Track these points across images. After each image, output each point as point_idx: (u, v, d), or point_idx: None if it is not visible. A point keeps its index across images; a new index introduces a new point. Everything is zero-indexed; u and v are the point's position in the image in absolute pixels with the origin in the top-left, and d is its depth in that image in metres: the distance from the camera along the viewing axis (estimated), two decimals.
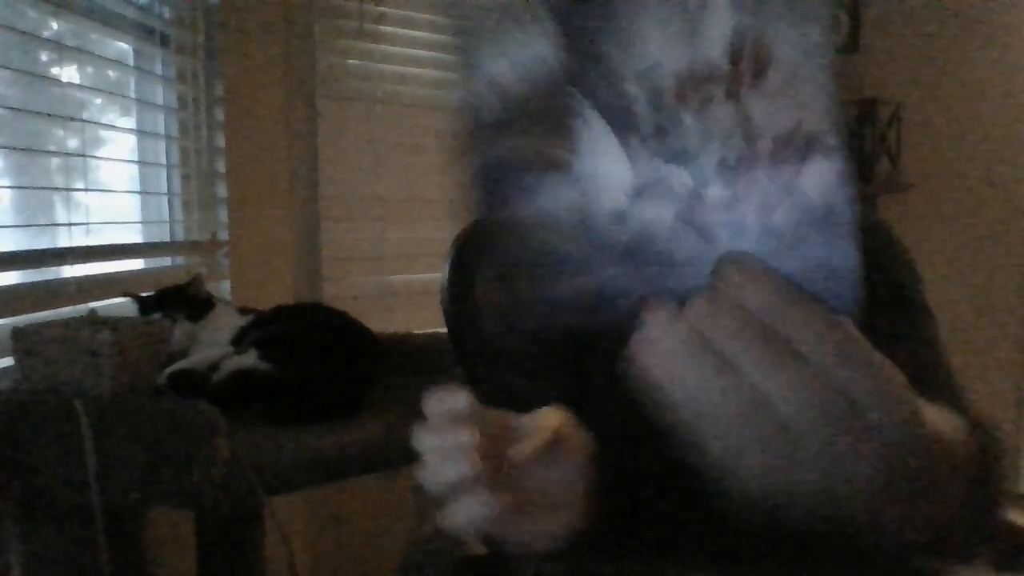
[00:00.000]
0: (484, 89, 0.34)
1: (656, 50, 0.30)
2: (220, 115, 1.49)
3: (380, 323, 1.21)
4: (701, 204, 0.30)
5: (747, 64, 0.29)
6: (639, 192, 0.30)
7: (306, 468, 0.92)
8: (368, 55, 1.70)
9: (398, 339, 1.25)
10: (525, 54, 0.33)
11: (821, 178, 0.28)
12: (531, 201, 0.34)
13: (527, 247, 0.34)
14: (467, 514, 0.41)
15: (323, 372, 1.04)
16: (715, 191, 0.29)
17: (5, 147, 1.14)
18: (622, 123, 0.31)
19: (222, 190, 1.51)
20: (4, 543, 0.79)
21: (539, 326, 0.34)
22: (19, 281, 1.09)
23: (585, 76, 0.31)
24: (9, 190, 1.20)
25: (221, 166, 1.50)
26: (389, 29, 1.72)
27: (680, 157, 0.30)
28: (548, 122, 0.33)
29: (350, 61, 1.68)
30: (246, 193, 1.52)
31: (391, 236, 1.73)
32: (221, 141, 1.50)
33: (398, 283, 1.74)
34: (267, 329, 1.09)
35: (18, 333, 0.87)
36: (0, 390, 0.89)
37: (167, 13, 1.42)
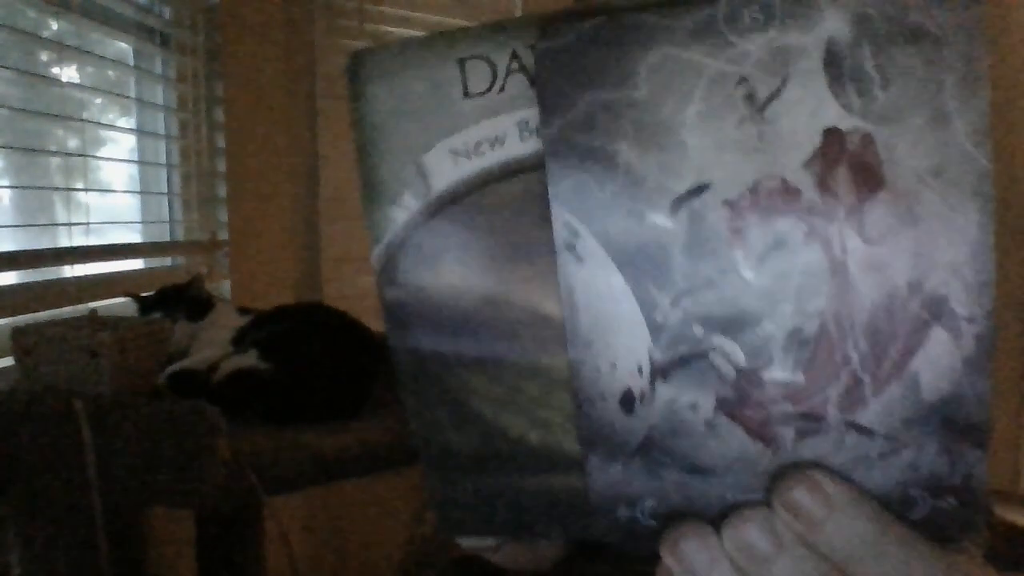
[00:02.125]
0: (431, 199, 0.23)
1: (703, 159, 0.20)
2: (220, 115, 1.49)
3: (380, 323, 1.21)
4: (758, 390, 0.21)
5: (844, 184, 0.19)
6: (663, 368, 0.21)
7: (306, 468, 0.92)
8: None
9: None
10: (492, 157, 0.23)
11: (943, 363, 0.20)
12: (495, 369, 0.23)
13: (487, 430, 0.24)
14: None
15: (323, 372, 1.04)
16: (780, 373, 0.21)
17: (5, 147, 1.14)
18: (642, 265, 0.21)
19: (222, 190, 1.51)
20: (4, 543, 0.79)
21: (502, 532, 0.25)
22: (19, 281, 1.09)
23: (587, 194, 0.21)
24: (9, 190, 1.20)
25: (221, 166, 1.50)
26: (389, 29, 1.72)
27: (730, 323, 0.21)
28: (525, 256, 0.23)
29: None
30: (246, 193, 1.52)
31: None
32: (221, 141, 1.50)
33: None
34: (267, 329, 1.09)
35: (18, 333, 0.87)
36: (0, 390, 0.89)
37: (167, 13, 1.41)
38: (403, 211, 0.24)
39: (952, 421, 0.20)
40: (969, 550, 0.22)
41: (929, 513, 0.21)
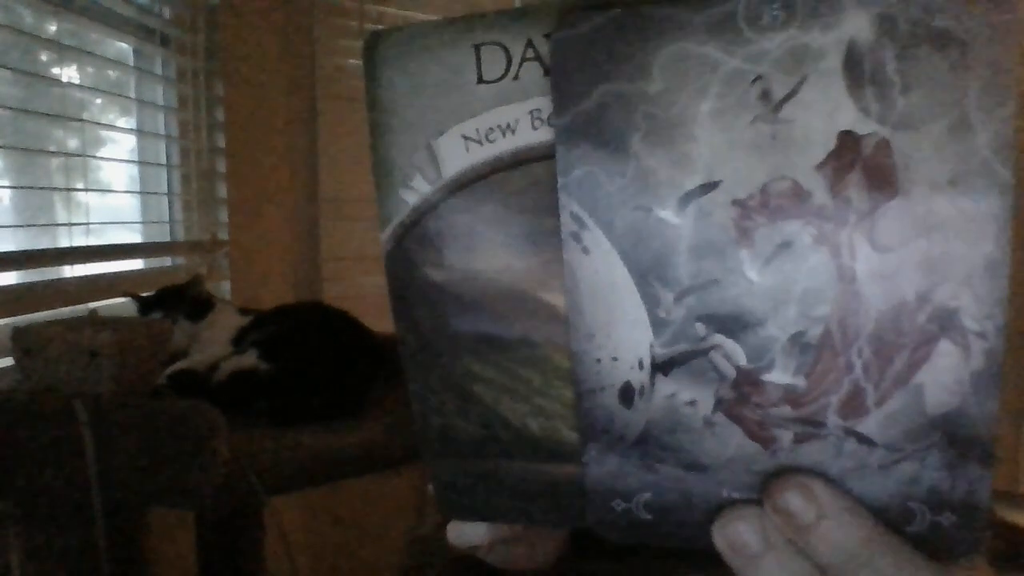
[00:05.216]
0: (442, 188, 0.23)
1: (714, 157, 0.20)
2: (220, 115, 1.49)
3: (380, 323, 1.21)
4: (757, 392, 0.21)
5: (856, 189, 0.19)
6: (663, 364, 0.21)
7: (306, 468, 0.92)
8: None
9: (398, 339, 1.25)
10: (503, 145, 0.23)
11: (949, 377, 0.19)
12: (496, 356, 0.24)
13: (488, 416, 0.24)
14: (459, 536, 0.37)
15: (323, 372, 1.04)
16: (780, 377, 0.20)
17: (5, 147, 1.14)
18: (647, 260, 0.21)
19: (222, 190, 1.51)
20: (4, 543, 0.79)
21: (500, 517, 0.25)
22: (19, 281, 1.09)
23: (595, 186, 0.21)
24: (9, 190, 1.20)
25: (221, 166, 1.50)
26: None
27: (732, 323, 0.20)
28: (531, 245, 0.23)
29: (350, 61, 1.68)
30: (246, 193, 1.52)
31: None
32: (221, 141, 1.50)
33: None
34: (267, 329, 1.09)
35: (18, 333, 0.87)
36: (0, 390, 0.89)
37: (167, 13, 1.41)
38: (413, 194, 0.24)
39: (956, 437, 0.19)
40: (973, 564, 0.22)
41: (927, 528, 0.20)
